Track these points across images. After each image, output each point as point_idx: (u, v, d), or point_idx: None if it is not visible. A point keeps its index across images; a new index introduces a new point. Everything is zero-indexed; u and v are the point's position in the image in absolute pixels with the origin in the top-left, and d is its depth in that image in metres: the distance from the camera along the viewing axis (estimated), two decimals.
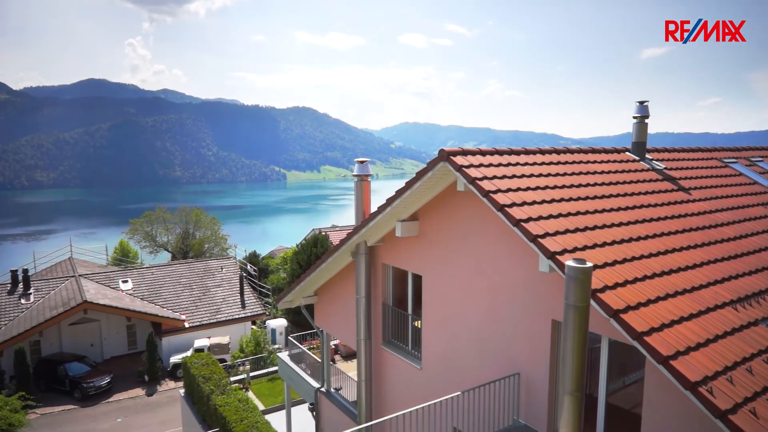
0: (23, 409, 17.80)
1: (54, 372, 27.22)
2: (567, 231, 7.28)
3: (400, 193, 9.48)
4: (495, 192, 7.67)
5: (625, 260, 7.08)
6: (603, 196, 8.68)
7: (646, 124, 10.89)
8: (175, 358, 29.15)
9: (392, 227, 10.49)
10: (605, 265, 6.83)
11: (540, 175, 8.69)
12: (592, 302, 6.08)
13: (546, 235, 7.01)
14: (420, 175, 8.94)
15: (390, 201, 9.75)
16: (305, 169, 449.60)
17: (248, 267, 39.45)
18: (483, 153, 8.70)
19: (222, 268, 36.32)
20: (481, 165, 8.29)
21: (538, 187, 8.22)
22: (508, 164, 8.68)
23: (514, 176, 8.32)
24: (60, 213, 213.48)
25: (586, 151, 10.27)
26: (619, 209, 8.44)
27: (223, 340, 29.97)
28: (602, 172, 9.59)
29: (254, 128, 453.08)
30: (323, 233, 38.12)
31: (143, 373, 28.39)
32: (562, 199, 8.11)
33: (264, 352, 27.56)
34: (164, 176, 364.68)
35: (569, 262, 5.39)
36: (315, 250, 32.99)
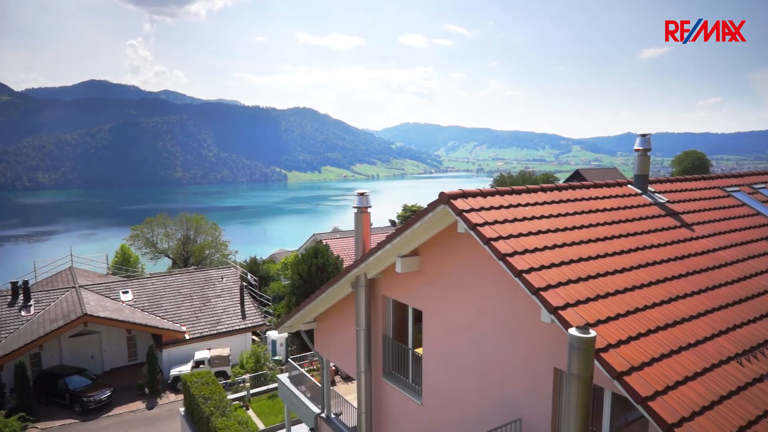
0: (22, 431, 17.69)
1: (54, 385, 27.15)
2: (569, 281, 7.19)
3: (400, 231, 9.40)
4: (496, 239, 7.58)
5: (628, 312, 6.99)
6: (605, 238, 8.58)
7: (649, 157, 10.81)
8: (175, 371, 29.09)
9: (392, 262, 10.40)
10: (608, 319, 6.74)
11: (542, 216, 8.59)
12: (596, 362, 5.99)
13: (548, 287, 6.92)
14: (420, 215, 8.86)
15: (390, 239, 9.67)
16: (306, 169, 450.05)
17: (248, 276, 39.34)
18: (484, 194, 8.60)
19: (222, 278, 36.27)
20: (482, 208, 8.20)
21: (539, 231, 8.13)
22: (509, 206, 8.58)
23: (515, 219, 8.22)
24: (61, 214, 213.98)
25: (588, 186, 10.18)
26: (621, 252, 8.34)
27: (224, 352, 29.90)
28: (604, 210, 9.49)
29: (255, 129, 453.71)
30: (324, 242, 38.05)
31: (143, 385, 28.32)
32: (564, 244, 8.01)
33: (264, 368, 27.45)
34: (165, 177, 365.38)
35: (572, 331, 5.30)
36: (315, 260, 32.84)
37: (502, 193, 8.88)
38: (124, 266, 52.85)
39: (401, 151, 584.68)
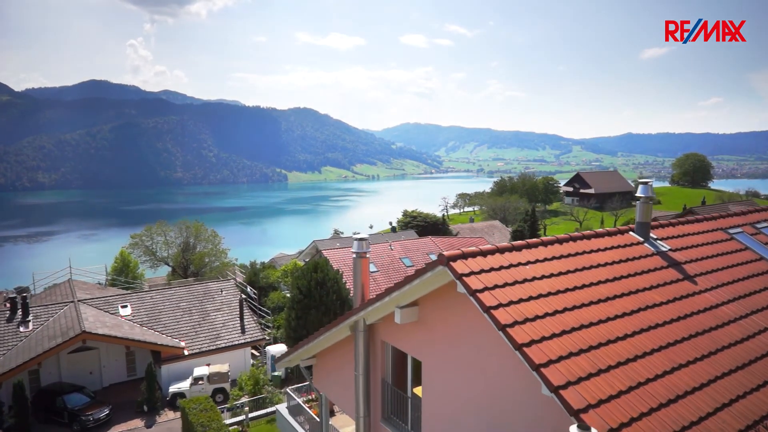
0: None
1: (53, 403, 27.05)
2: (570, 354, 7.08)
3: (399, 286, 9.31)
4: (496, 307, 7.47)
5: (630, 388, 6.88)
6: (607, 299, 8.47)
7: (650, 204, 10.71)
8: (174, 387, 28.99)
9: (392, 311, 10.29)
10: (610, 398, 6.63)
11: (542, 276, 8.48)
12: None
13: (549, 362, 6.82)
14: (419, 273, 8.77)
15: (389, 292, 9.58)
16: (306, 170, 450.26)
17: (248, 289, 39.25)
18: (484, 254, 8.50)
19: (222, 291, 36.17)
20: (482, 271, 8.09)
21: (540, 295, 8.02)
22: (510, 265, 8.47)
23: (515, 282, 8.11)
24: (61, 214, 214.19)
25: (589, 237, 10.07)
26: (624, 315, 8.23)
27: (223, 368, 29.79)
28: (605, 264, 9.38)
29: (255, 129, 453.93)
30: (323, 256, 38.01)
31: (142, 403, 28.22)
32: (564, 309, 7.90)
33: (264, 392, 27.35)
34: (165, 177, 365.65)
35: (573, 430, 5.21)
36: (315, 275, 32.77)
37: (502, 251, 8.77)
38: (123, 273, 52.80)
39: (401, 152, 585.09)
